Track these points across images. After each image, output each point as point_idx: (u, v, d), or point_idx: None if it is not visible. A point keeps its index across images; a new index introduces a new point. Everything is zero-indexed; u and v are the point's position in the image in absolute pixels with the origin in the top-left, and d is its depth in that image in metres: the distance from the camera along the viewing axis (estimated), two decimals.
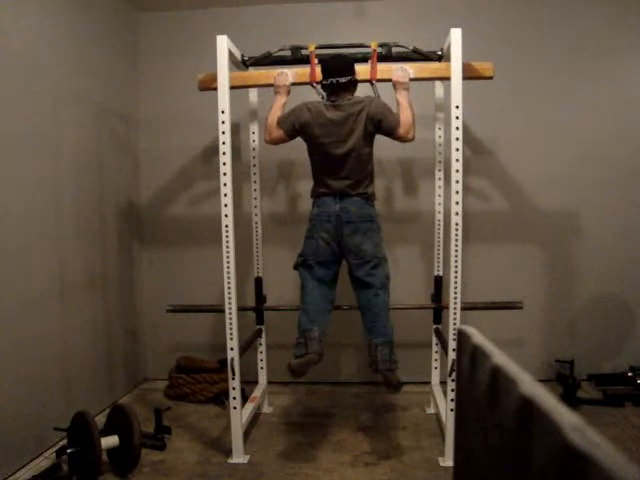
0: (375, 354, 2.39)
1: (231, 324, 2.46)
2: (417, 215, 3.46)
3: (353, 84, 2.52)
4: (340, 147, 2.46)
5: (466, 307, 2.70)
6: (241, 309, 2.68)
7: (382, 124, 2.46)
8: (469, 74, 2.45)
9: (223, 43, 2.37)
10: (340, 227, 2.46)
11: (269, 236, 3.34)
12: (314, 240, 2.51)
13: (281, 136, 2.55)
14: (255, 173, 3.07)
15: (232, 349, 2.47)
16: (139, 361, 3.65)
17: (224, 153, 2.38)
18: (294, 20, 3.42)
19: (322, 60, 2.56)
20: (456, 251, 2.35)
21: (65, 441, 2.38)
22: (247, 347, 2.83)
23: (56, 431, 2.41)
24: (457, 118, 2.30)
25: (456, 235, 2.35)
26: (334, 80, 2.46)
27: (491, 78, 2.59)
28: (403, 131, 2.45)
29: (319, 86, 2.58)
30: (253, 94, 3.06)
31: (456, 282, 2.37)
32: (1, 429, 2.25)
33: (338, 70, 2.47)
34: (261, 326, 3.17)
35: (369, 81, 2.61)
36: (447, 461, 2.43)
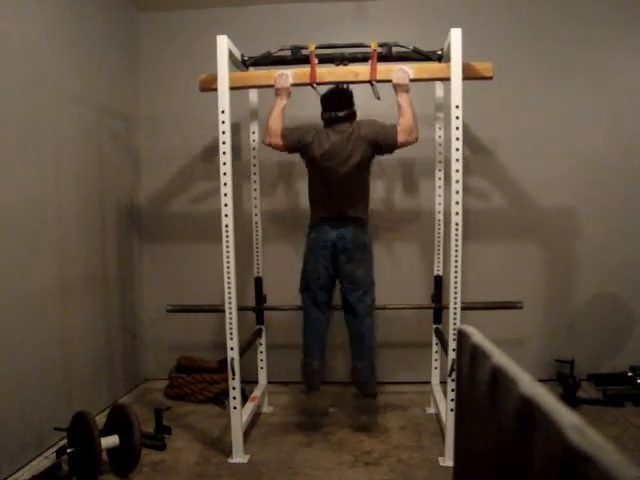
0: (358, 378, 2.72)
1: (231, 324, 2.46)
2: (417, 215, 3.45)
3: (351, 116, 2.63)
4: (339, 170, 2.57)
5: (466, 307, 2.70)
6: (241, 309, 2.68)
7: (382, 144, 2.58)
8: (469, 74, 2.45)
9: (223, 43, 2.37)
10: (336, 254, 2.63)
11: (269, 236, 3.34)
12: (314, 265, 2.68)
13: (280, 146, 2.65)
14: (255, 173, 3.07)
15: (232, 349, 2.47)
16: (139, 361, 3.65)
17: (224, 153, 2.38)
18: (294, 20, 3.42)
19: (322, 95, 2.65)
20: (456, 251, 2.35)
21: (65, 441, 2.37)
22: (247, 347, 2.83)
23: (56, 431, 2.41)
24: (457, 118, 2.30)
25: (456, 235, 2.35)
26: (332, 114, 2.59)
27: (491, 78, 2.59)
28: (403, 138, 2.54)
29: (318, 87, 2.59)
30: (253, 94, 3.06)
31: (456, 282, 2.37)
32: (1, 429, 2.25)
33: (336, 105, 2.60)
34: (261, 326, 3.17)
35: (369, 82, 2.60)
36: (447, 461, 2.43)
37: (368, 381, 2.71)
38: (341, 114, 2.59)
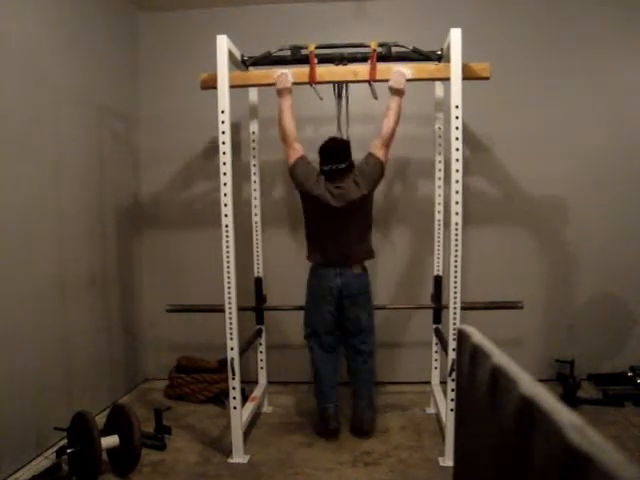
0: (361, 416, 2.74)
1: (231, 324, 2.46)
2: (417, 214, 3.45)
3: (350, 167, 2.62)
4: (341, 218, 2.59)
5: (466, 307, 2.70)
6: (241, 309, 2.68)
7: (368, 177, 2.57)
8: (466, 75, 2.43)
9: (223, 43, 2.37)
10: (341, 299, 2.69)
11: (269, 236, 3.34)
12: (320, 312, 2.73)
13: (295, 150, 2.60)
14: (255, 173, 3.07)
15: (232, 349, 2.47)
16: (139, 361, 3.65)
17: (224, 152, 2.38)
18: (294, 20, 3.42)
19: (321, 147, 2.66)
20: (456, 251, 2.35)
21: (65, 441, 2.38)
22: (247, 347, 2.83)
23: (56, 431, 2.41)
24: (457, 118, 2.30)
25: (456, 235, 2.34)
26: (333, 167, 2.59)
27: (488, 79, 2.59)
28: (384, 151, 2.57)
29: (317, 87, 2.59)
30: (253, 93, 3.05)
31: (456, 282, 2.37)
32: (1, 429, 2.25)
33: (336, 158, 2.60)
34: (261, 326, 3.17)
35: (368, 82, 2.60)
36: (447, 461, 2.43)
37: (368, 418, 2.75)
38: (341, 167, 2.60)
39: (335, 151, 2.63)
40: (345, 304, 2.69)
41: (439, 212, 3.03)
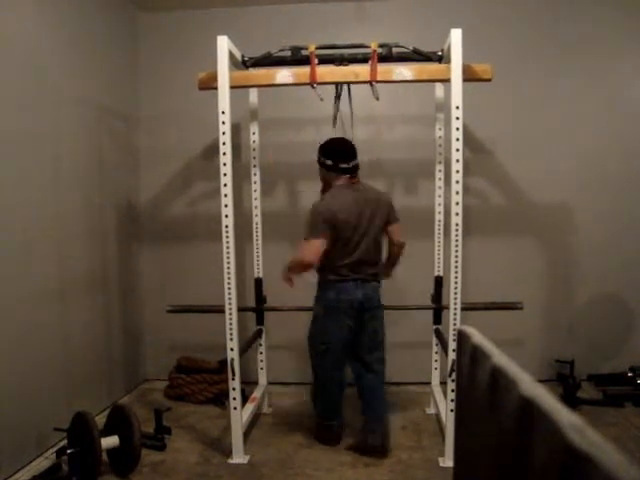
0: (371, 433, 2.58)
1: (231, 324, 2.46)
2: (417, 215, 3.44)
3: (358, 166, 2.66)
4: (366, 228, 2.56)
5: (466, 307, 2.70)
6: (241, 309, 2.67)
7: (390, 217, 2.66)
8: (468, 76, 2.43)
9: (223, 43, 2.37)
10: (362, 313, 2.59)
11: (269, 236, 3.34)
12: (340, 327, 2.57)
13: (324, 244, 2.47)
14: (255, 173, 3.07)
15: (232, 349, 2.47)
16: (139, 361, 3.65)
17: (224, 153, 2.38)
18: (295, 20, 3.42)
19: (334, 148, 2.60)
20: (456, 251, 2.35)
21: (65, 441, 2.37)
22: (247, 347, 2.83)
23: (56, 431, 2.41)
24: (457, 119, 2.30)
25: (456, 235, 2.34)
26: (351, 163, 2.58)
27: (489, 80, 2.58)
28: (397, 239, 2.71)
29: (318, 87, 2.59)
30: (253, 94, 3.06)
31: (456, 282, 2.37)
32: (1, 429, 2.25)
33: (352, 154, 2.60)
34: (261, 326, 3.17)
35: (369, 82, 2.60)
36: (447, 461, 2.43)
37: (380, 439, 2.58)
38: (357, 162, 2.60)
39: (349, 148, 2.62)
40: (365, 318, 2.59)
41: (439, 213, 3.03)
